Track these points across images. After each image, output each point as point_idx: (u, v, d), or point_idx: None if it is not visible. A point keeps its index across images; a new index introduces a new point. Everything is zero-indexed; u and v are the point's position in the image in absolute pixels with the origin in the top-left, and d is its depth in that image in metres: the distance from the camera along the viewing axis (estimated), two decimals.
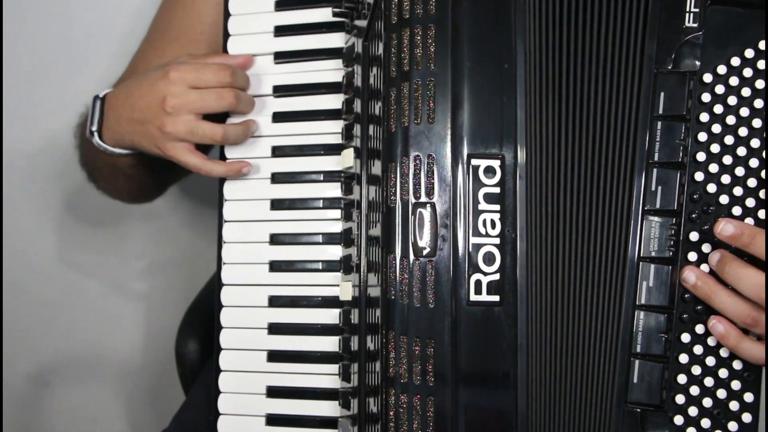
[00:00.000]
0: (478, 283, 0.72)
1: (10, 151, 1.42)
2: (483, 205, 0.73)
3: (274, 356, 0.86)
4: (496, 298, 0.72)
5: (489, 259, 0.73)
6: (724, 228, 0.70)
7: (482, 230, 0.73)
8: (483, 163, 0.73)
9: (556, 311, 0.74)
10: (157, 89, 0.81)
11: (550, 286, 0.74)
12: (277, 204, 0.88)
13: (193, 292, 1.20)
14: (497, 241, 0.73)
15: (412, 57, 0.74)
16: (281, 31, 0.89)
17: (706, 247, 0.74)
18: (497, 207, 0.73)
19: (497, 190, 0.73)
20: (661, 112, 0.75)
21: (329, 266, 0.86)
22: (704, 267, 0.74)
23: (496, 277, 0.72)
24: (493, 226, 0.73)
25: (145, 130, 0.83)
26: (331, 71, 0.87)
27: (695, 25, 0.75)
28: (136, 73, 1.05)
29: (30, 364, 1.51)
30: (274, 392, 0.86)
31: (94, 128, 0.88)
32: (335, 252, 0.86)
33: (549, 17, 0.76)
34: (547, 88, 0.75)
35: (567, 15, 0.76)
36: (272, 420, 0.86)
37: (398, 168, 0.73)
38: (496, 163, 0.73)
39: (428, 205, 0.73)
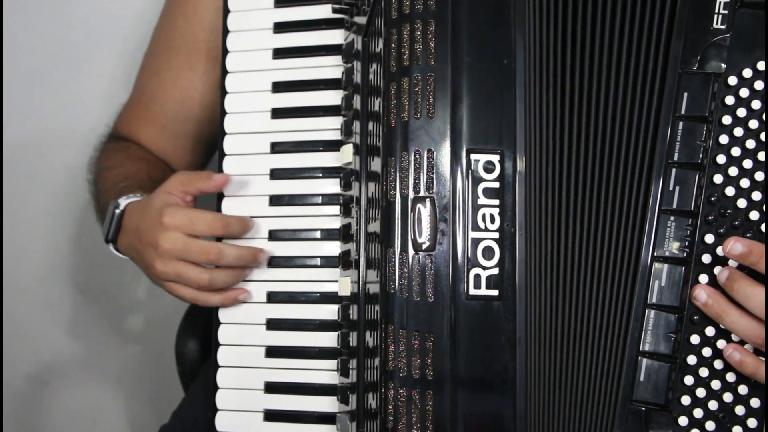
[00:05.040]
0: (477, 277, 0.72)
1: (10, 151, 1.42)
2: (482, 200, 0.73)
3: (273, 352, 0.86)
4: (495, 292, 0.72)
5: (488, 253, 0.72)
6: (733, 247, 0.70)
7: (481, 225, 0.73)
8: (482, 158, 0.73)
9: (557, 306, 0.74)
10: (154, 231, 0.84)
11: (551, 281, 0.74)
12: (275, 200, 0.88)
13: None
14: (496, 235, 0.73)
15: (411, 52, 0.74)
16: (281, 27, 0.89)
17: (720, 250, 0.73)
18: (496, 202, 0.73)
19: (496, 185, 0.73)
20: (683, 112, 0.74)
21: (328, 262, 0.86)
22: (717, 270, 0.73)
23: (495, 271, 0.72)
24: (492, 220, 0.73)
25: (143, 262, 0.88)
26: (331, 68, 0.87)
27: (723, 27, 0.74)
28: (143, 94, 1.06)
29: (30, 364, 1.51)
30: (272, 388, 0.86)
31: (110, 237, 0.93)
32: (334, 248, 0.86)
33: (550, 13, 0.76)
34: (548, 84, 0.75)
35: (572, 12, 0.76)
36: (270, 415, 0.86)
37: (398, 162, 0.73)
38: (495, 158, 0.73)
39: (427, 199, 0.73)
